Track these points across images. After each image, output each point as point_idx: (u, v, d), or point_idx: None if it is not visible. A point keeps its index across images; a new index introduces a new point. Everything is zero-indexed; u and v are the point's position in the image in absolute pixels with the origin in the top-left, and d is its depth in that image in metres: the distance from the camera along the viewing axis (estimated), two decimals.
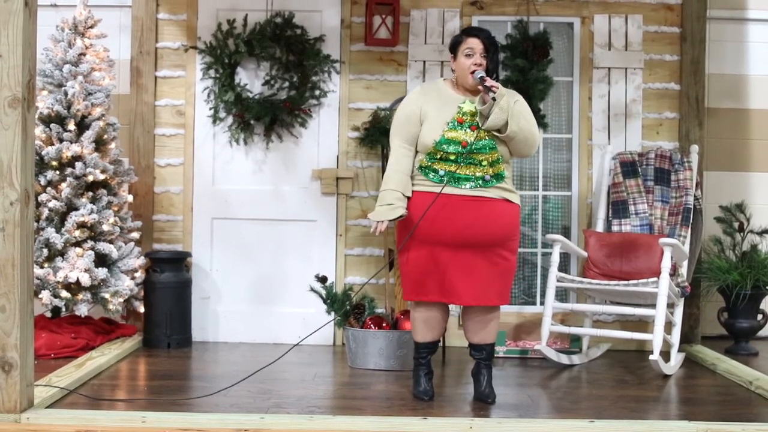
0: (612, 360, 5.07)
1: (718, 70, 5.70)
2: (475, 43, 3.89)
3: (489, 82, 3.76)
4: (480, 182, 3.81)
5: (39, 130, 4.90)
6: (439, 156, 3.83)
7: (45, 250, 4.77)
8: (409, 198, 3.87)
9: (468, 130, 3.81)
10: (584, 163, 5.48)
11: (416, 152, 3.93)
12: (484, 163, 3.81)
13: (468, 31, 3.99)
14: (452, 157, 3.81)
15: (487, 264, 3.85)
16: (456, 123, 3.83)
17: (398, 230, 3.98)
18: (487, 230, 3.81)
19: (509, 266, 3.92)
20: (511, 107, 3.77)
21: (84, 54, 5.08)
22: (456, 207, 3.80)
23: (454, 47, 3.96)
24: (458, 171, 3.80)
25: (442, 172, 3.82)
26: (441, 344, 4.92)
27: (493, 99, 3.74)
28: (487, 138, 3.80)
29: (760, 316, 5.37)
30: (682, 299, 4.93)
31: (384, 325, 4.78)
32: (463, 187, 3.81)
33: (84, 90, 4.98)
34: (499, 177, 3.84)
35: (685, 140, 5.42)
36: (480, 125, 3.79)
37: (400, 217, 3.83)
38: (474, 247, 3.82)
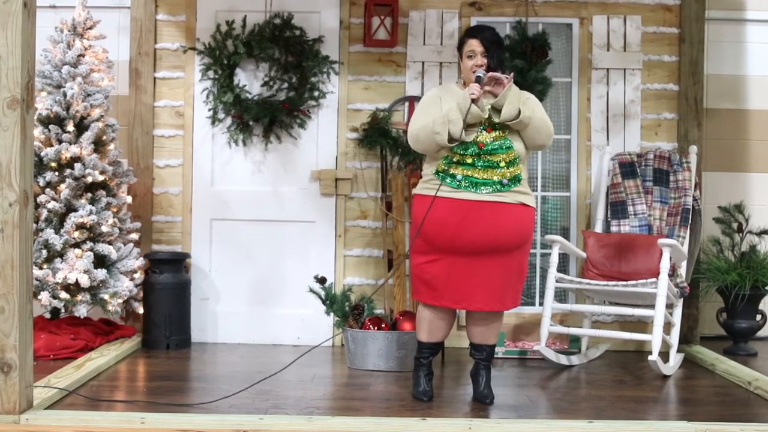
0: (611, 360, 5.07)
1: (716, 70, 5.71)
2: (474, 45, 3.91)
3: (489, 75, 3.78)
4: (498, 186, 3.80)
5: (38, 132, 4.90)
6: (456, 159, 3.83)
7: (44, 251, 4.77)
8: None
9: (483, 131, 3.82)
10: (583, 164, 5.48)
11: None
12: (502, 164, 3.80)
13: (469, 32, 4.00)
14: (469, 160, 3.80)
15: (504, 269, 3.85)
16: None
17: (411, 232, 4.00)
18: (504, 237, 3.81)
19: (523, 270, 3.95)
20: (521, 97, 3.79)
21: (83, 55, 5.08)
22: (474, 213, 3.79)
23: (460, 49, 3.99)
24: (475, 175, 3.80)
25: (459, 177, 3.82)
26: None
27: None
28: (502, 138, 3.81)
29: (758, 317, 5.37)
30: (681, 300, 4.93)
31: (383, 326, 4.78)
32: (480, 192, 3.80)
33: (83, 91, 4.99)
34: (516, 180, 3.83)
35: (683, 141, 5.42)
36: (495, 120, 3.80)
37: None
38: (491, 253, 3.82)
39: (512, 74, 3.85)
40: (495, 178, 3.80)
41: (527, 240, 3.91)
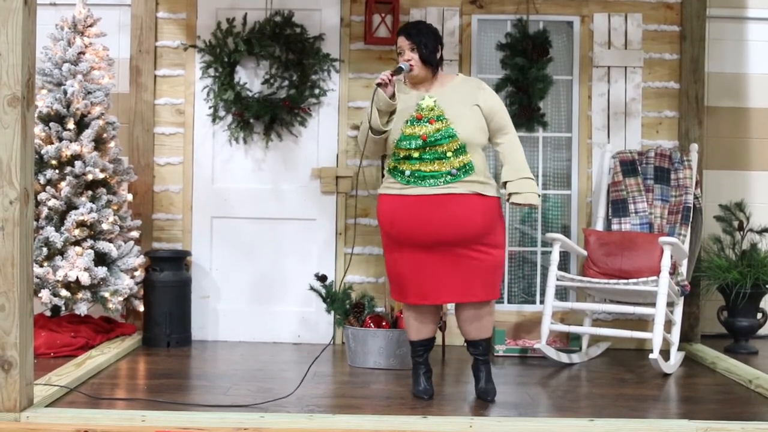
0: (611, 359, 5.07)
1: (717, 68, 5.70)
2: (401, 41, 3.96)
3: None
4: (447, 178, 3.81)
5: (38, 129, 4.89)
6: (403, 155, 3.86)
7: (44, 249, 4.76)
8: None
9: (427, 124, 3.84)
10: (584, 162, 5.48)
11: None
12: (449, 154, 3.82)
13: (399, 31, 4.04)
14: (416, 154, 3.83)
15: (467, 261, 3.84)
16: (414, 119, 3.86)
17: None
18: (459, 228, 3.80)
19: (492, 260, 3.88)
20: (521, 184, 3.92)
21: (83, 53, 5.08)
22: (425, 207, 3.81)
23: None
24: (423, 168, 3.82)
25: (408, 172, 3.85)
26: (441, 343, 4.92)
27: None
28: (445, 127, 3.82)
29: (759, 315, 5.37)
30: (682, 298, 4.93)
31: (383, 323, 4.78)
32: (428, 185, 3.82)
33: (83, 89, 4.98)
34: (466, 169, 3.83)
35: (684, 139, 5.42)
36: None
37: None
38: (450, 246, 3.82)
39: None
40: (444, 170, 3.82)
41: (490, 230, 3.86)
